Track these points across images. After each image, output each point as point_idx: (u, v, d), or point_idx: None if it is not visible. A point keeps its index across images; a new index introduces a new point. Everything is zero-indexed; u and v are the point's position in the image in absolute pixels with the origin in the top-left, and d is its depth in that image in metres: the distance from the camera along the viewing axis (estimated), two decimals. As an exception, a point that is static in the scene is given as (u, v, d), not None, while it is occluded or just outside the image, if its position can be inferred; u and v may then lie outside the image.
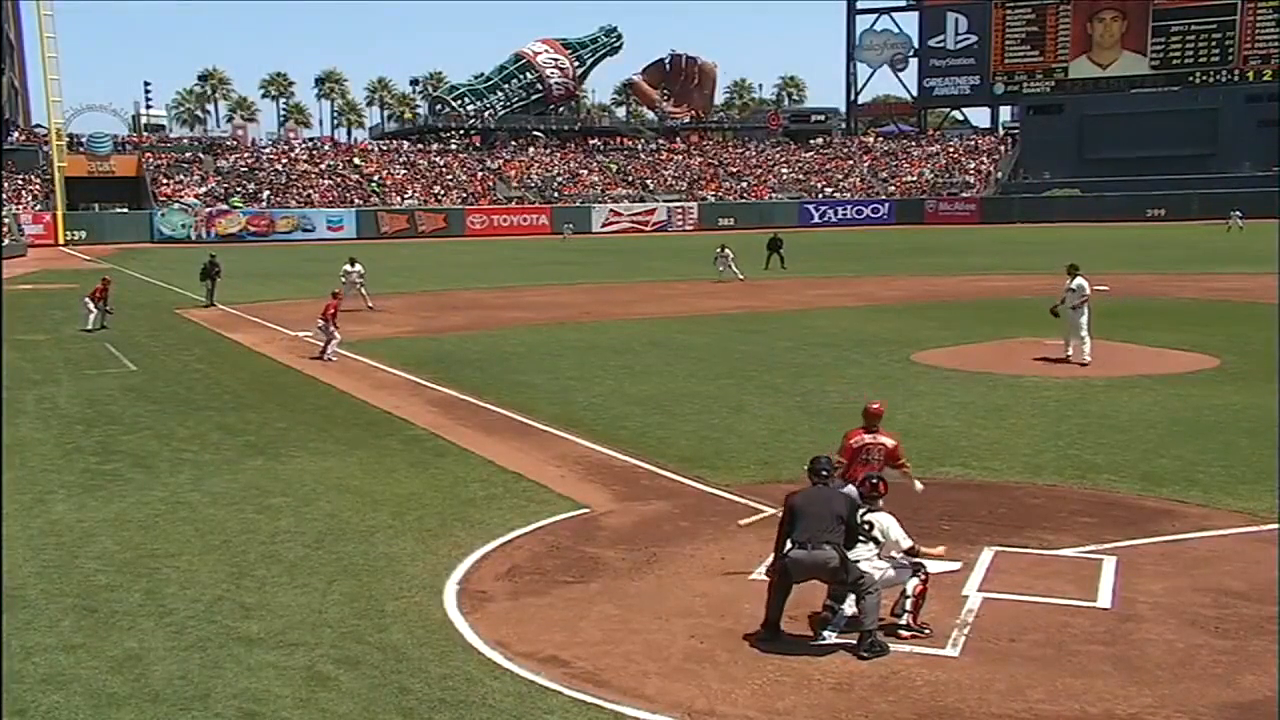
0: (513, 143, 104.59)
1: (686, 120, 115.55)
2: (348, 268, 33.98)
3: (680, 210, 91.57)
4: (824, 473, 9.06)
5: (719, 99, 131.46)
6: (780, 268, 46.21)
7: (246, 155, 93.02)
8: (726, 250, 42.80)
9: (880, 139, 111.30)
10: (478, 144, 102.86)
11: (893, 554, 9.12)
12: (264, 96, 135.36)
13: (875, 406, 10.99)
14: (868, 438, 10.73)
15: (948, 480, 13.36)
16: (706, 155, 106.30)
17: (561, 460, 14.75)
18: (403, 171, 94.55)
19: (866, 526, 9.12)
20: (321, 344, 24.18)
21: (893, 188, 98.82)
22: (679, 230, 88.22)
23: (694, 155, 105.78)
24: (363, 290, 33.42)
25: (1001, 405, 17.86)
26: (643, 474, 14.00)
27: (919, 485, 11.06)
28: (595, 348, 25.08)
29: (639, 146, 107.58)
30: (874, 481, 9.47)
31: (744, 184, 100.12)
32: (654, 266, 51.13)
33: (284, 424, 17.29)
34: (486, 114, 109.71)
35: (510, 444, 15.71)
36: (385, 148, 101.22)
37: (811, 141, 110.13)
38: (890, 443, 10.76)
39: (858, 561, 8.89)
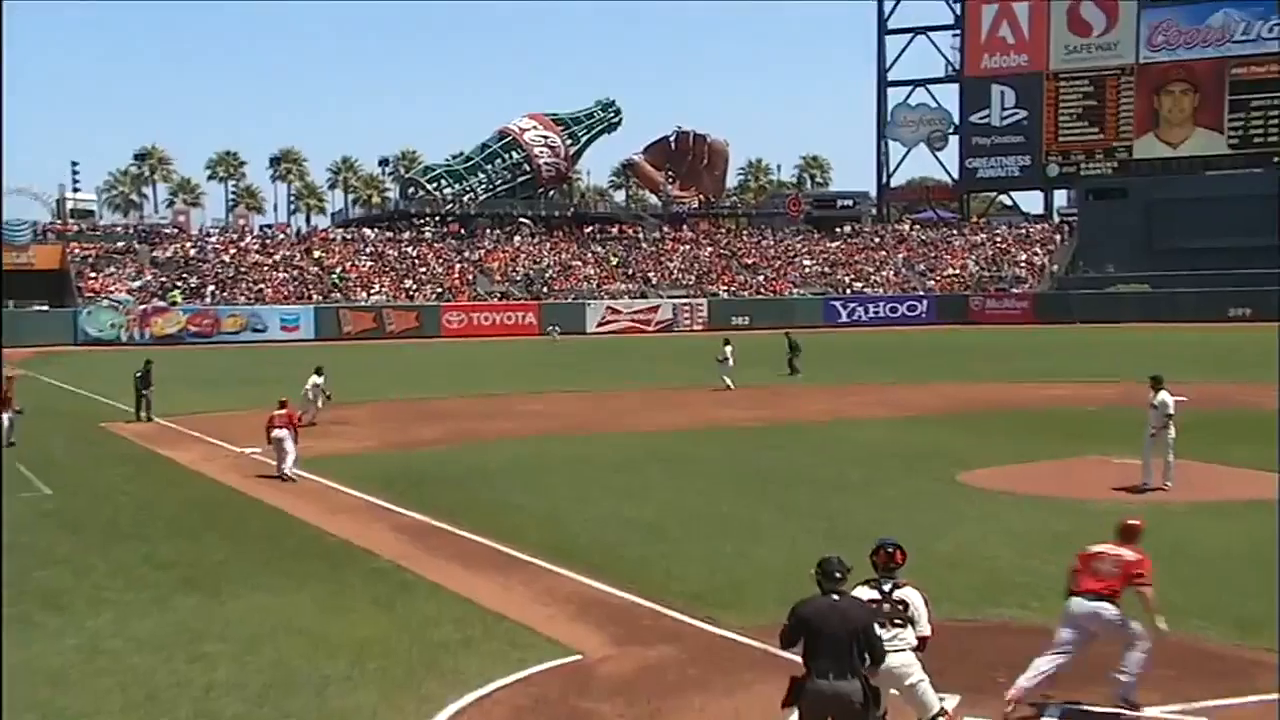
0: (496, 231, 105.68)
1: (695, 205, 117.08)
2: (316, 379, 33.72)
3: (688, 307, 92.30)
4: (837, 576, 8.61)
5: (731, 181, 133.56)
6: (792, 372, 46.41)
7: (189, 244, 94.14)
8: (728, 348, 42.98)
9: (917, 227, 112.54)
10: (457, 232, 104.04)
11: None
12: (211, 178, 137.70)
13: (1133, 521, 11.10)
14: (1108, 547, 10.76)
15: (1003, 623, 13.16)
16: (717, 245, 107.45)
17: (550, 597, 14.64)
18: (369, 263, 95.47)
19: (901, 606, 9.04)
20: (276, 460, 24.10)
21: (932, 282, 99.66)
22: (686, 330, 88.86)
23: (703, 245, 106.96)
24: (318, 403, 33.37)
25: (1064, 534, 17.64)
26: (644, 613, 13.85)
27: (1163, 624, 10.59)
28: (590, 464, 25.12)
29: (640, 235, 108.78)
30: (890, 550, 9.31)
31: (761, 277, 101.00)
32: (657, 371, 51.31)
33: (224, 555, 17.19)
34: (466, 198, 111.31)
35: (491, 578, 15.63)
36: (349, 236, 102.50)
37: (838, 229, 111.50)
38: (1131, 555, 10.64)
39: (900, 651, 8.89)
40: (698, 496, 21.18)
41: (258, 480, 23.90)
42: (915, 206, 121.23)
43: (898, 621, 8.99)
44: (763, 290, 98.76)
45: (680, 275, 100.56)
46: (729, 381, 41.93)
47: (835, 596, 8.60)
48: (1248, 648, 12.44)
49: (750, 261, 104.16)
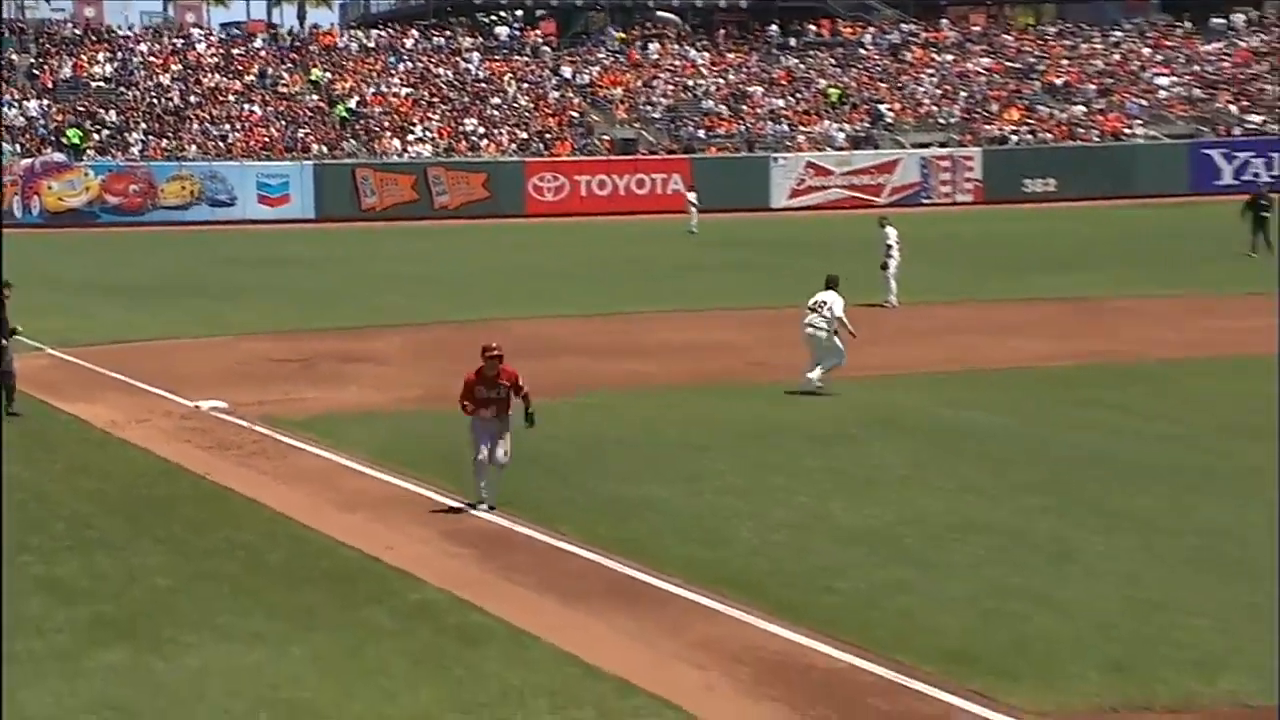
0: (620, 34, 77.67)
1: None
2: None
3: (947, 162, 65.93)
4: None
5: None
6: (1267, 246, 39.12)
7: (102, 55, 69.11)
8: (889, 233, 31.95)
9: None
10: (548, 37, 77.19)
11: None
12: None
13: None
14: None
15: None
16: (1001, 52, 77.31)
17: (708, 654, 11.37)
18: (405, 91, 69.45)
19: None
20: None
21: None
22: (944, 203, 65.24)
23: (976, 54, 77.15)
24: None
25: None
26: (869, 683, 10.76)
27: None
28: (776, 433, 19.15)
29: (867, 39, 77.90)
30: None
31: (1076, 108, 71.60)
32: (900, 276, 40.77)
33: (169, 580, 13.18)
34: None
35: (609, 620, 12.21)
36: (370, 44, 74.26)
37: (1219, 21, 77.70)
38: None
39: None
40: (962, 493, 16.00)
41: (222, 453, 17.99)
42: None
43: None
44: (1078, 132, 69.26)
45: (935, 107, 71.76)
46: (890, 297, 31.36)
47: None
48: None
49: (1057, 80, 73.60)
